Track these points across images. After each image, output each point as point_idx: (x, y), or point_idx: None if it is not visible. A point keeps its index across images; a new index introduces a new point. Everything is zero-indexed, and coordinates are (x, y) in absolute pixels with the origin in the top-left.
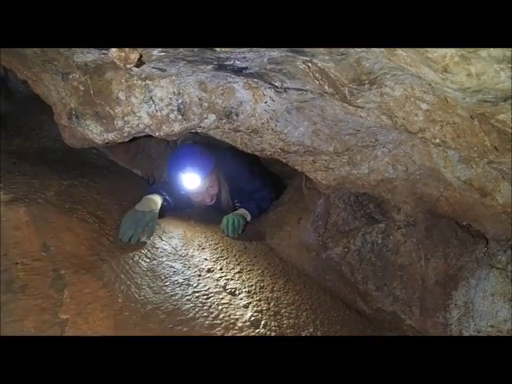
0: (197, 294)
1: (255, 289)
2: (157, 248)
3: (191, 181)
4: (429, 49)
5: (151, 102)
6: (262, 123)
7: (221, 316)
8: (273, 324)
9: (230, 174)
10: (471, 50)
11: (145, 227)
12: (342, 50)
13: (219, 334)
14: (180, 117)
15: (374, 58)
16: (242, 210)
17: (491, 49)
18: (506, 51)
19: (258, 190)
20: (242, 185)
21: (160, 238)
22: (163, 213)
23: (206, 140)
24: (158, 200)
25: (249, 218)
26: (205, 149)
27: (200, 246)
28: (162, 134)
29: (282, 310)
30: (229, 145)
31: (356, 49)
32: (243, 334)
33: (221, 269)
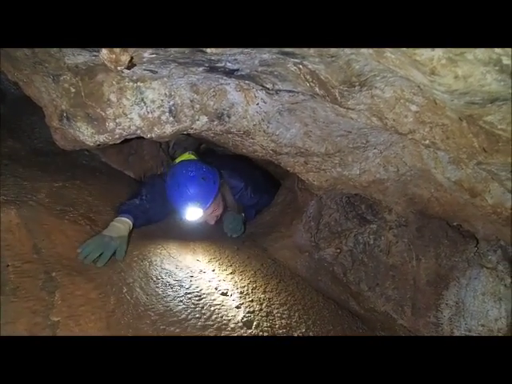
0: (189, 296)
1: (247, 290)
2: (149, 250)
3: (192, 214)
4: (417, 51)
5: (143, 104)
6: (254, 125)
7: (213, 317)
8: (265, 325)
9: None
10: (458, 52)
11: (115, 250)
12: (332, 52)
13: (212, 335)
14: (172, 118)
15: (363, 60)
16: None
17: (477, 52)
18: (492, 54)
19: (260, 201)
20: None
21: (152, 240)
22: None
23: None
24: (126, 224)
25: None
26: (207, 170)
27: (193, 248)
28: (153, 135)
29: (275, 311)
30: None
31: (346, 51)
32: (235, 334)
33: (213, 270)
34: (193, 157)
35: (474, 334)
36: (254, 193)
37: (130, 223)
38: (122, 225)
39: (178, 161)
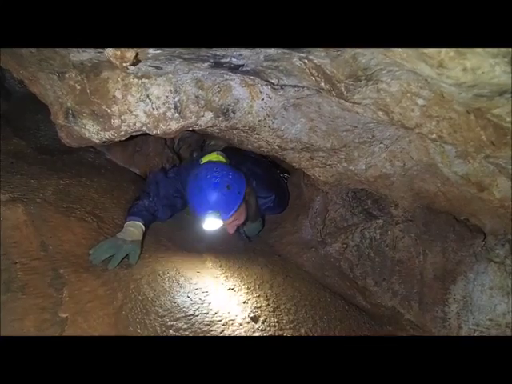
0: (196, 291)
1: (254, 285)
2: (156, 247)
3: (211, 224)
4: None
5: (148, 101)
6: (259, 120)
7: (220, 312)
8: (272, 320)
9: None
10: None
11: (128, 253)
12: None
13: (219, 330)
14: (177, 115)
15: (369, 54)
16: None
17: None
18: None
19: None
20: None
21: (158, 237)
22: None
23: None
24: (140, 228)
25: None
26: (233, 177)
27: (199, 244)
28: (159, 132)
29: (282, 306)
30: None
31: None
32: (243, 329)
33: (220, 266)
34: (221, 158)
35: (482, 329)
36: (279, 205)
37: (143, 227)
38: (136, 229)
39: (204, 160)
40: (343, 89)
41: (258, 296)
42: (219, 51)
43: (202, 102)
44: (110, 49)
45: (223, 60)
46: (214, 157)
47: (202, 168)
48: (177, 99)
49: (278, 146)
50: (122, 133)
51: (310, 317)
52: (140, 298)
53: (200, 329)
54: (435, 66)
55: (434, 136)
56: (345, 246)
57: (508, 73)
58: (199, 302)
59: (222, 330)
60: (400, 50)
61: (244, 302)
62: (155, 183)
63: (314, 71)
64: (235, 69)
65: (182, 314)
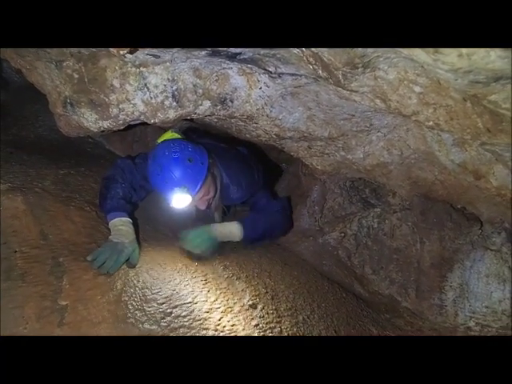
0: (195, 279)
1: (253, 274)
2: (155, 236)
3: (180, 201)
4: None
5: (146, 89)
6: (257, 109)
7: (219, 300)
8: (270, 307)
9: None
10: None
11: (129, 256)
12: None
13: (217, 317)
14: (175, 104)
15: None
16: (233, 224)
17: None
18: None
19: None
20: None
21: (156, 225)
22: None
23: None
24: (130, 223)
25: (239, 234)
26: (193, 150)
27: None
28: (157, 121)
29: (280, 294)
30: None
31: None
32: (241, 316)
33: (219, 255)
34: (176, 135)
35: (478, 316)
36: (246, 189)
37: (131, 221)
38: (128, 227)
39: (159, 140)
40: (340, 76)
41: (257, 284)
42: None
43: (200, 90)
44: None
45: (221, 48)
46: (168, 135)
47: (158, 147)
48: (174, 88)
49: (275, 135)
50: (121, 122)
51: (308, 304)
52: (139, 285)
53: (199, 316)
54: (431, 51)
55: (430, 123)
56: (343, 234)
57: (503, 58)
58: (198, 289)
59: (221, 317)
60: None
61: (242, 290)
62: (121, 170)
63: (311, 59)
64: (233, 57)
65: (181, 302)
